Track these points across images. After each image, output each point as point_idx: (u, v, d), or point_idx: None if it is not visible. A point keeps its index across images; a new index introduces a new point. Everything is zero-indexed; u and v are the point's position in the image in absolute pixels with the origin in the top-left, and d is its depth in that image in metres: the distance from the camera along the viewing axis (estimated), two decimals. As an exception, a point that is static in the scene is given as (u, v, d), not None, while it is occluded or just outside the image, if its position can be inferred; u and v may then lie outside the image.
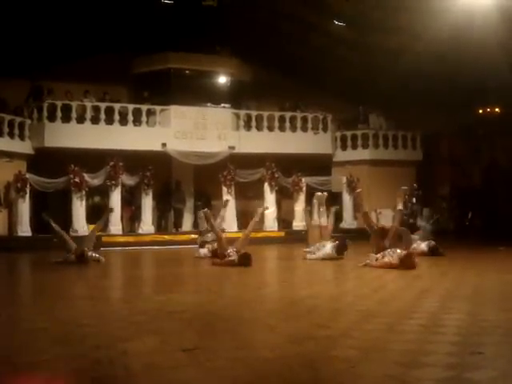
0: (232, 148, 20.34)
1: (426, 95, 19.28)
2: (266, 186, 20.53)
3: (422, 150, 22.22)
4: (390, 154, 22.00)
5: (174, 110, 20.28)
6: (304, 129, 21.66)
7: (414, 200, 21.25)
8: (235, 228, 19.39)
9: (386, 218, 21.15)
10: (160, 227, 20.61)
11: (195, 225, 20.88)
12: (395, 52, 16.94)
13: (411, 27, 15.49)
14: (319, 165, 21.68)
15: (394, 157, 21.95)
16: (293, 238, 18.21)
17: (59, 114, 19.00)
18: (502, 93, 17.85)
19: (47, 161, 18.09)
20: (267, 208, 16.11)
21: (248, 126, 21.14)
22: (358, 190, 13.88)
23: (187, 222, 21.06)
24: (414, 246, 12.59)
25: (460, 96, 18.48)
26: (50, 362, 3.91)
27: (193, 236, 17.72)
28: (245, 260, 10.80)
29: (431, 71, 17.57)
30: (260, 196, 20.76)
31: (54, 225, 12.94)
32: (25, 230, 18.07)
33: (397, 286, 7.64)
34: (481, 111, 21.15)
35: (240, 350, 4.15)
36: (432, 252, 12.54)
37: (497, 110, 20.92)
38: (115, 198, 19.06)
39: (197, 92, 21.30)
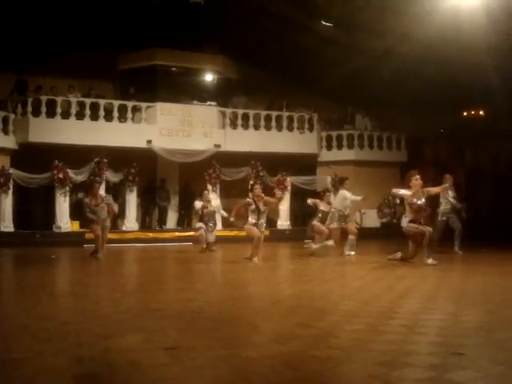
0: (218, 146, 20.31)
1: (412, 97, 19.40)
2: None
3: (407, 152, 22.36)
4: (374, 155, 22.14)
5: (160, 106, 20.21)
6: (290, 128, 21.70)
7: (398, 201, 21.36)
8: (220, 226, 19.36)
9: (369, 219, 21.33)
10: (144, 224, 20.53)
11: (179, 222, 20.88)
12: (382, 53, 17.02)
13: (398, 29, 15.58)
14: (304, 164, 21.73)
15: (379, 158, 22.09)
16: (277, 238, 18.24)
17: (44, 109, 18.86)
18: (486, 95, 18.00)
19: (31, 156, 17.95)
20: None
21: (234, 125, 21.13)
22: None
23: (171, 220, 21.00)
24: None
25: (445, 98, 18.62)
26: (32, 359, 3.87)
27: (177, 233, 17.71)
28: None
29: (417, 73, 17.68)
30: (245, 194, 20.74)
31: None
32: (7, 225, 17.94)
33: (380, 287, 7.66)
34: (465, 114, 21.33)
35: (223, 348, 4.14)
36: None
37: (481, 112, 21.10)
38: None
39: (183, 89, 21.29)
